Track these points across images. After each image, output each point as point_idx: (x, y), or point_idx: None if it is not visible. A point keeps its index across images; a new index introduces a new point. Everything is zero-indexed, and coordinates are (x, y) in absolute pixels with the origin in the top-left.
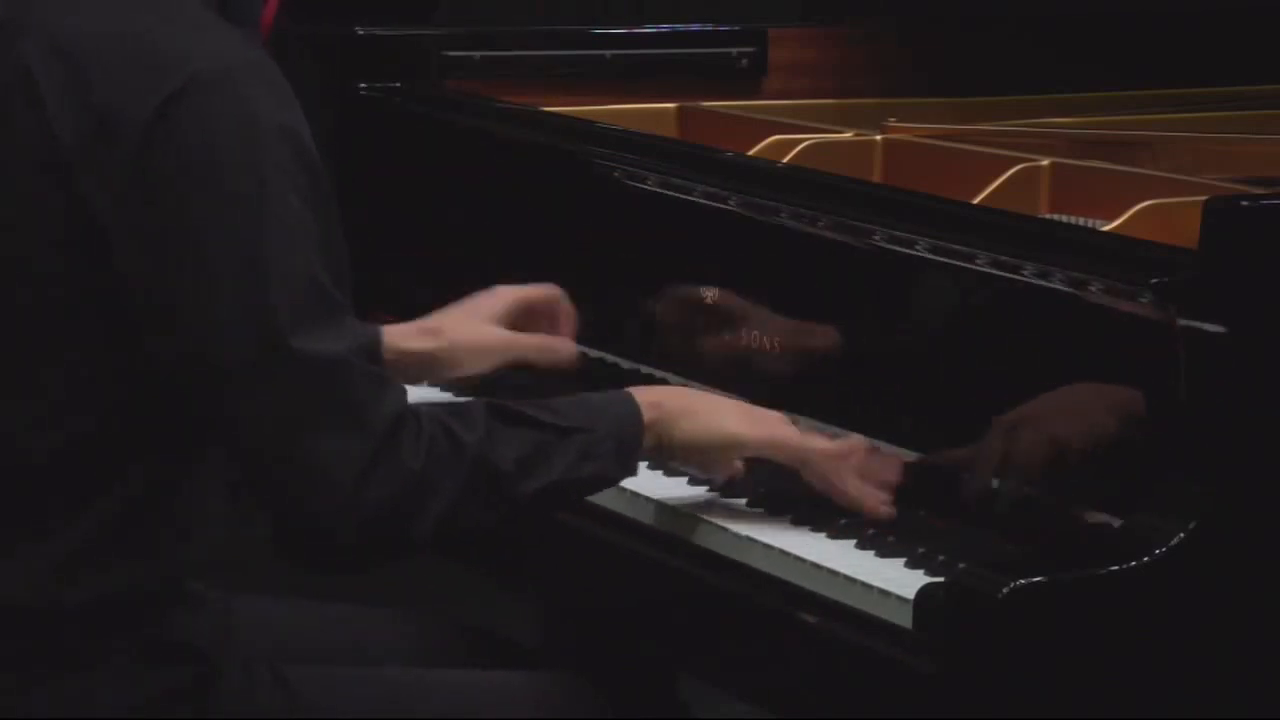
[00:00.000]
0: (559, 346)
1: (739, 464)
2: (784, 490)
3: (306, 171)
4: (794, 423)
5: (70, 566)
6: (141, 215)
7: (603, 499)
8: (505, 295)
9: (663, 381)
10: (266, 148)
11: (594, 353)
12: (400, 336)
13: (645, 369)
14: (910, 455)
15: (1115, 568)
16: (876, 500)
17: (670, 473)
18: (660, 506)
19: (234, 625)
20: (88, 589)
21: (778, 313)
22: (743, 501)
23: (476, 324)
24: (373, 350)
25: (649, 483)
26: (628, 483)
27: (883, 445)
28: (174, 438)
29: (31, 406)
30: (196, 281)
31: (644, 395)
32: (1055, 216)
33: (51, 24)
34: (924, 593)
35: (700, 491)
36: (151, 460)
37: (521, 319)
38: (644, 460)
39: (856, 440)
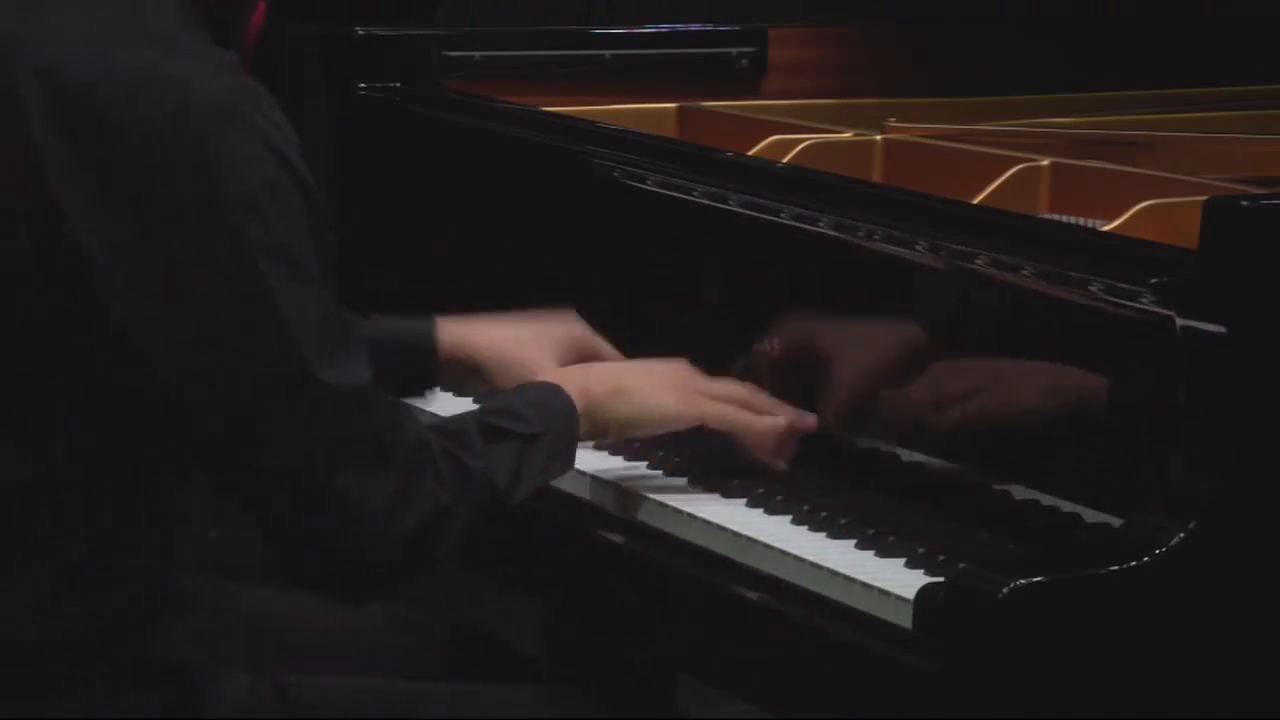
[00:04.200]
0: None
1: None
2: (783, 490)
3: (303, 197)
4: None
5: (50, 597)
6: (134, 247)
7: (601, 498)
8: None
9: None
10: (264, 178)
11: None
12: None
13: None
14: (911, 455)
15: (1115, 568)
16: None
17: (670, 472)
18: (659, 505)
19: (228, 627)
20: (68, 618)
21: (777, 312)
22: (742, 501)
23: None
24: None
25: (648, 481)
26: (627, 482)
27: (881, 446)
28: (149, 468)
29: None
30: (209, 324)
31: (571, 383)
32: (1055, 216)
33: (39, 48)
34: (924, 593)
35: (699, 492)
36: (126, 491)
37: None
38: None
39: (786, 418)
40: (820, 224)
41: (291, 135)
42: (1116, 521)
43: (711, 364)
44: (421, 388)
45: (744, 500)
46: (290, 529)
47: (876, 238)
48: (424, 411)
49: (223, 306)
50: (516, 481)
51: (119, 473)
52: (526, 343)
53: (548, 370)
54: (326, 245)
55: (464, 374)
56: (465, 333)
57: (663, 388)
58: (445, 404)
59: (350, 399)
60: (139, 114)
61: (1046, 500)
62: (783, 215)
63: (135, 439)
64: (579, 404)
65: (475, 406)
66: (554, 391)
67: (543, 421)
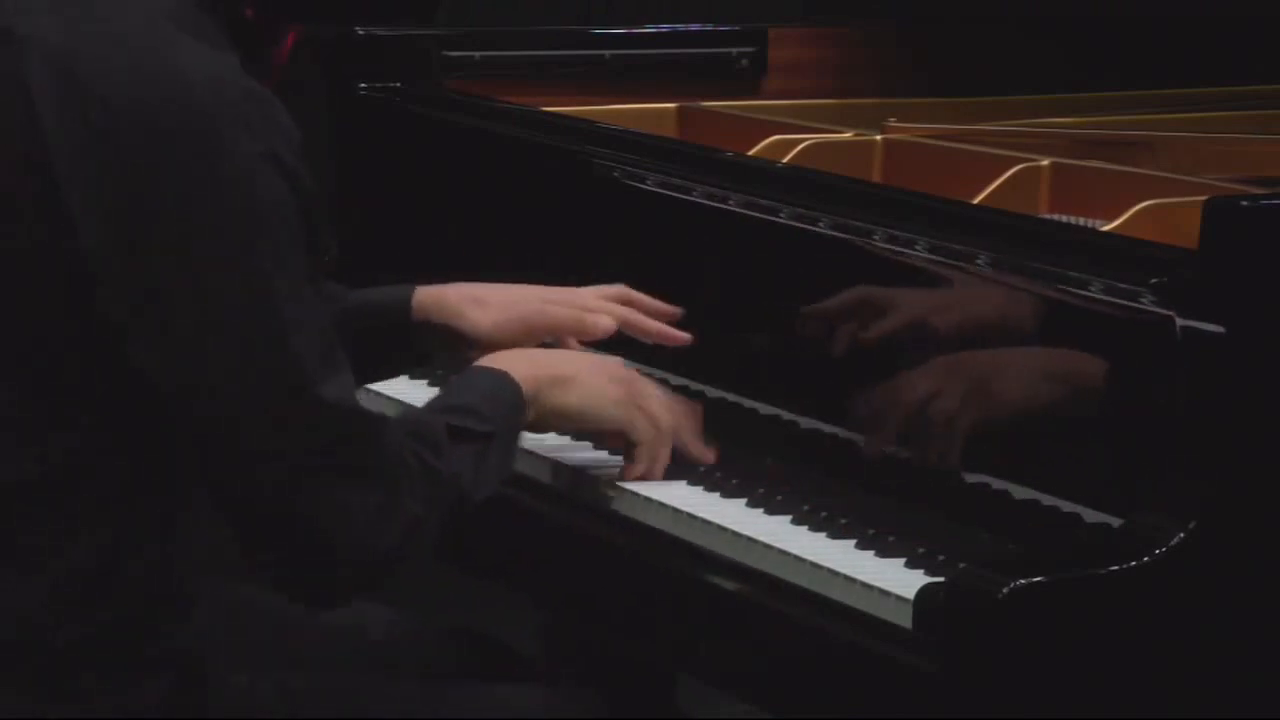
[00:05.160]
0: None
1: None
2: (783, 490)
3: (305, 207)
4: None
5: (63, 596)
6: (138, 250)
7: (601, 497)
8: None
9: (661, 382)
10: (269, 187)
11: (594, 353)
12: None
13: (645, 369)
14: (911, 455)
15: (1115, 568)
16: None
17: (670, 474)
18: (661, 507)
19: (229, 627)
20: (81, 616)
21: (777, 312)
22: (742, 501)
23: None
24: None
25: (651, 483)
26: (633, 484)
27: (881, 446)
28: (158, 466)
29: (5, 433)
30: (210, 335)
31: (518, 370)
32: (1055, 216)
33: (54, 39)
34: (924, 593)
35: (699, 492)
36: (137, 488)
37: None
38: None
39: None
40: (820, 224)
41: (297, 142)
42: (1116, 521)
43: (710, 364)
44: (396, 351)
45: (744, 500)
46: (273, 538)
47: (876, 238)
48: (387, 399)
49: (225, 317)
50: (478, 482)
51: (129, 470)
52: (500, 294)
53: (497, 355)
54: (326, 254)
55: (436, 329)
56: (439, 288)
57: (606, 384)
58: (404, 389)
59: (342, 414)
60: (148, 117)
61: (1046, 500)
62: (783, 215)
63: (142, 438)
64: (527, 390)
65: (433, 391)
66: (504, 382)
67: (498, 418)
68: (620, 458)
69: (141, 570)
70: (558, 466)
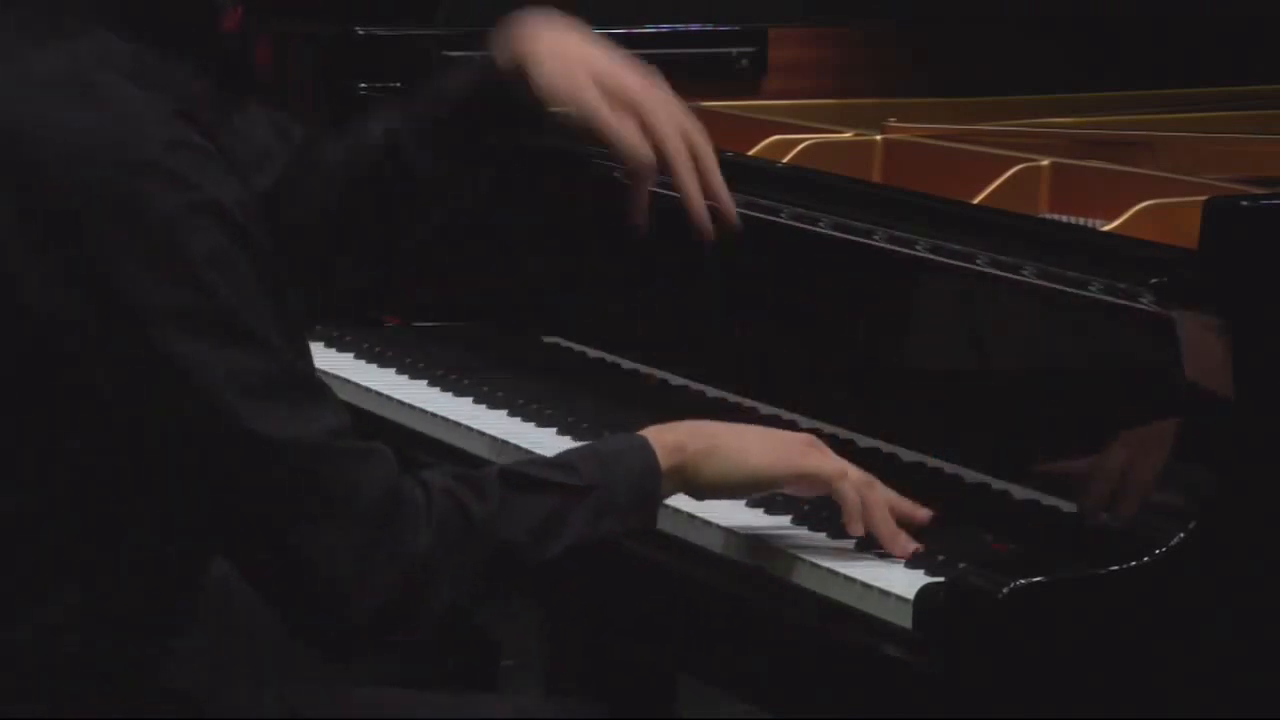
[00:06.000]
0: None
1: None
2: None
3: (246, 253)
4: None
5: (64, 624)
6: (73, 308)
7: None
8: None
9: (661, 382)
10: (199, 242)
11: (594, 353)
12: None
13: (645, 369)
14: (911, 455)
15: (1115, 568)
16: (903, 542)
17: None
18: (661, 507)
19: (230, 631)
20: (81, 643)
21: (778, 313)
22: (741, 501)
23: None
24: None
25: None
26: None
27: (882, 444)
28: (148, 506)
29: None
30: (143, 379)
31: (664, 438)
32: (1055, 216)
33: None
34: (924, 593)
35: None
36: (143, 516)
37: None
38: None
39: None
40: (820, 224)
41: (233, 190)
42: (1116, 521)
43: (710, 364)
44: (527, 115)
45: (743, 500)
46: (263, 580)
47: (876, 238)
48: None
49: (148, 373)
50: (550, 535)
51: (131, 497)
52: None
53: (663, 426)
54: (286, 290)
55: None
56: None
57: (761, 450)
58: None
59: (294, 452)
60: (77, 178)
61: (1046, 500)
62: (783, 215)
63: (134, 469)
64: (670, 460)
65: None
66: (635, 448)
67: (601, 475)
68: None
69: (140, 596)
70: None
